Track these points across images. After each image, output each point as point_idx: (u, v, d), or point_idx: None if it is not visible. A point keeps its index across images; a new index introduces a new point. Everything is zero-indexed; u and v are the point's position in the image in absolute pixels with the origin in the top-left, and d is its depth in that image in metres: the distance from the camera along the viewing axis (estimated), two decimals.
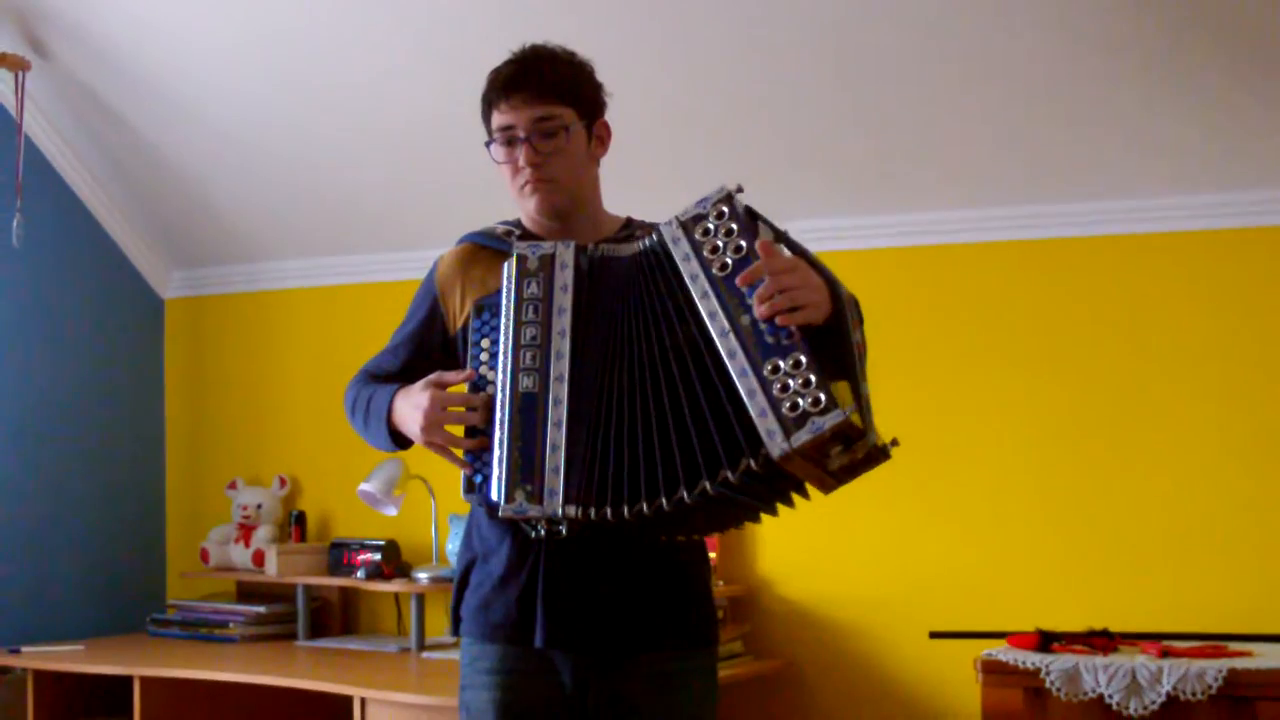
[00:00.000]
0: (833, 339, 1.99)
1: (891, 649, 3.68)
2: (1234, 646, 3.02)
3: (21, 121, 4.31)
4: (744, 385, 1.93)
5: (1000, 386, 3.61)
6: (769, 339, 1.93)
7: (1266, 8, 3.02)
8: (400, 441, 2.25)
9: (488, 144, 2.24)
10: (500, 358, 2.08)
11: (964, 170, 3.55)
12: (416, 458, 4.16)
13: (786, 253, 2.03)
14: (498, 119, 2.22)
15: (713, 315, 1.97)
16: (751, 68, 3.50)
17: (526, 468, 2.04)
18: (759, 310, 1.94)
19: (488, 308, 2.15)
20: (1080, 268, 3.54)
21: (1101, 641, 3.04)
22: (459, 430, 2.14)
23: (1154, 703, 2.85)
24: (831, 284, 2.02)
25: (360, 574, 4.20)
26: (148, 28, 3.99)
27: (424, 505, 4.22)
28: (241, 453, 4.72)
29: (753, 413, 1.92)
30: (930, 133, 3.51)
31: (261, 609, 4.36)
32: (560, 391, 2.05)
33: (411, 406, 2.16)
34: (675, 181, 3.65)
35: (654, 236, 2.07)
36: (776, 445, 1.90)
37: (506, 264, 2.12)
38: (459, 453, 2.12)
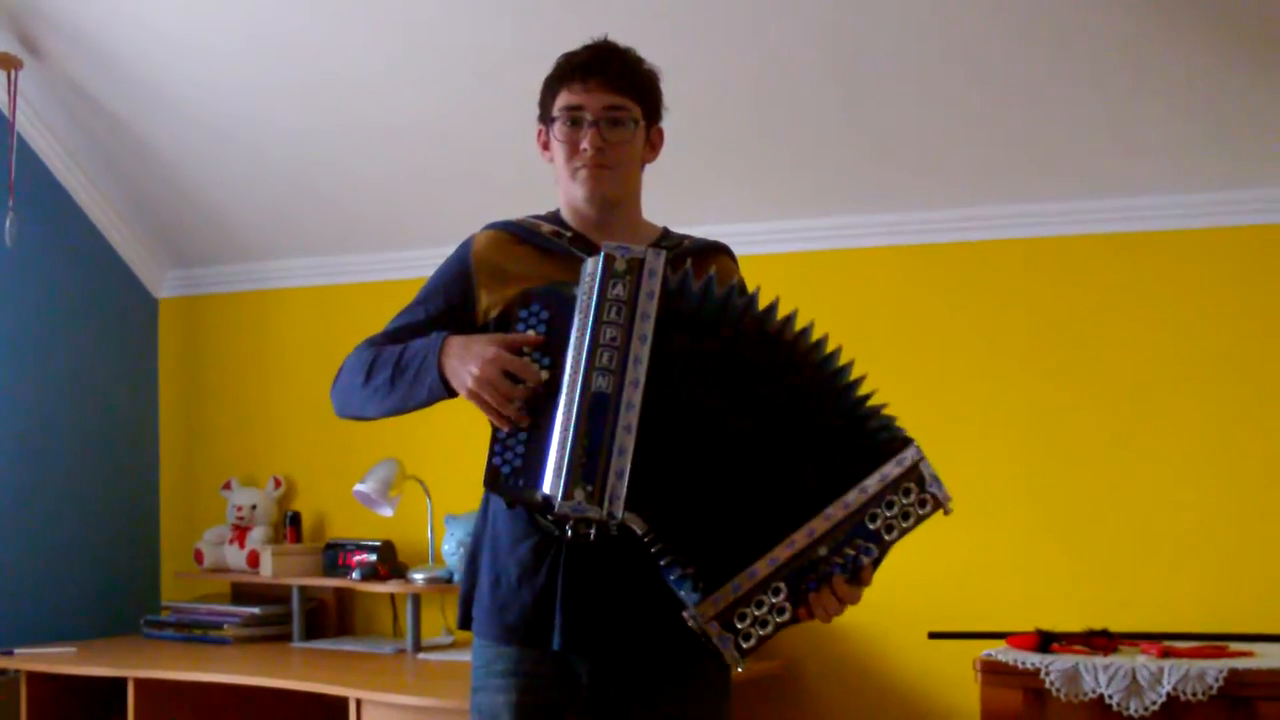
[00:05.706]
0: None
1: (890, 650, 3.66)
2: (1235, 646, 3.01)
3: (14, 120, 4.30)
4: (778, 550, 2.00)
5: (998, 386, 3.59)
6: (808, 571, 2.01)
7: (1262, 6, 3.01)
8: (437, 391, 2.13)
9: (550, 121, 2.23)
10: (573, 354, 2.03)
11: (959, 169, 3.54)
12: (412, 458, 4.20)
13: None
14: (566, 98, 2.21)
15: (846, 506, 2.03)
16: (750, 68, 3.49)
17: (590, 467, 1.98)
18: (818, 601, 2.00)
19: (538, 298, 2.09)
20: (1077, 266, 3.53)
21: (1101, 642, 3.02)
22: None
23: (1154, 703, 2.84)
24: None
25: (355, 575, 4.18)
26: (141, 25, 3.97)
27: (420, 506, 4.20)
28: (236, 453, 4.70)
29: (744, 569, 1.99)
30: (924, 132, 3.49)
31: (256, 610, 4.35)
32: (634, 397, 2.01)
33: (473, 354, 2.07)
34: (671, 182, 3.65)
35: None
36: (699, 609, 1.97)
37: (590, 260, 2.07)
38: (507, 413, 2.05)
